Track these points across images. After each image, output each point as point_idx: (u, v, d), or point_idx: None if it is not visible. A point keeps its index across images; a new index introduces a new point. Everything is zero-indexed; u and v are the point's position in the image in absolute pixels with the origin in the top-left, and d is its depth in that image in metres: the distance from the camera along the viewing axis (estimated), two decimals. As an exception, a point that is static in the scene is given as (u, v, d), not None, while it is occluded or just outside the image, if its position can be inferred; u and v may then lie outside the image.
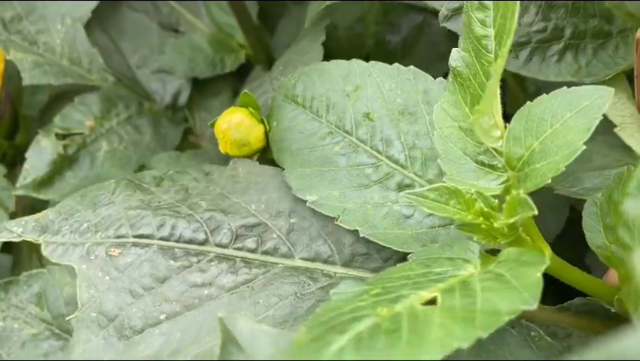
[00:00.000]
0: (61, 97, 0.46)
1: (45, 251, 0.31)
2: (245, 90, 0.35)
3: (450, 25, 0.30)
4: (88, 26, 0.46)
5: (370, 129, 0.30)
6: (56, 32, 0.43)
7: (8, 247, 0.43)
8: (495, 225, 0.24)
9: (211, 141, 0.46)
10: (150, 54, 0.47)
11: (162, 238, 0.30)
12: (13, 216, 0.42)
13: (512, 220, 0.24)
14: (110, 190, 0.32)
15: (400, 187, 0.29)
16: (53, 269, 0.38)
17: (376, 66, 0.31)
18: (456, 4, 0.30)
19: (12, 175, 0.45)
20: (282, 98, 0.33)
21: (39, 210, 0.47)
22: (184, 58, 0.46)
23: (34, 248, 0.45)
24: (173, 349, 0.28)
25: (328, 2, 0.37)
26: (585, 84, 0.26)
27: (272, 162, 0.36)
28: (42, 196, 0.40)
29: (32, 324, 0.36)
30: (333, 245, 0.30)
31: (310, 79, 0.33)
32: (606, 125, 0.30)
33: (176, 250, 0.30)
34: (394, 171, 0.30)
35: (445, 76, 0.42)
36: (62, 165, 0.41)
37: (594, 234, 0.27)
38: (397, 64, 0.31)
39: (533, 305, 0.20)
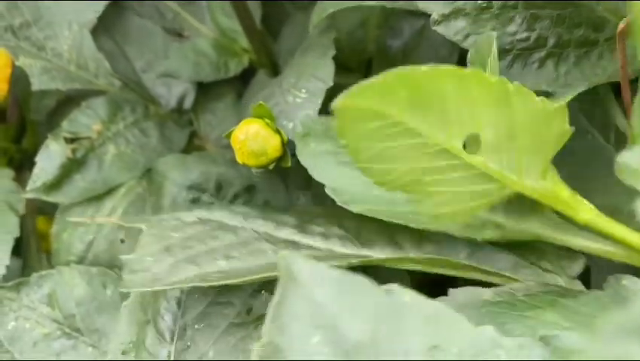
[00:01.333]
0: (68, 101, 0.46)
1: None
2: (261, 102, 0.36)
3: (441, 30, 0.31)
4: (94, 32, 0.46)
5: None
6: (64, 38, 0.44)
7: (17, 249, 0.44)
8: None
9: (215, 144, 0.47)
10: (155, 58, 0.48)
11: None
12: (22, 218, 0.42)
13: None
14: None
15: None
16: (63, 270, 0.39)
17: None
18: (446, 10, 0.31)
19: (19, 178, 0.46)
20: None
21: (47, 213, 0.48)
22: (189, 62, 0.47)
23: (43, 249, 0.46)
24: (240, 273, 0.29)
25: (332, 9, 0.37)
26: (557, 95, 0.27)
27: (288, 171, 0.37)
28: (51, 199, 0.41)
29: (43, 324, 0.37)
30: None
31: None
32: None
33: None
34: None
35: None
36: (71, 168, 0.42)
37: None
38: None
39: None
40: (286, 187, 0.41)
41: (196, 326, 0.33)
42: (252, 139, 0.34)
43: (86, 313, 0.38)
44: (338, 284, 0.19)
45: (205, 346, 0.33)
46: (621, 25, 0.28)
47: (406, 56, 0.43)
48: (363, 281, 0.20)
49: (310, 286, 0.19)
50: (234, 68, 0.48)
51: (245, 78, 0.49)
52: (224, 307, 0.34)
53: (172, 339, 0.33)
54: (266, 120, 0.35)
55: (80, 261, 0.42)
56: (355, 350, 0.18)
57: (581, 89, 0.30)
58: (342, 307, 0.19)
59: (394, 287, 0.20)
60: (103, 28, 0.48)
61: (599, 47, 0.31)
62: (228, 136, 0.36)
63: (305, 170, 0.41)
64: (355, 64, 0.46)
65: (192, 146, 0.47)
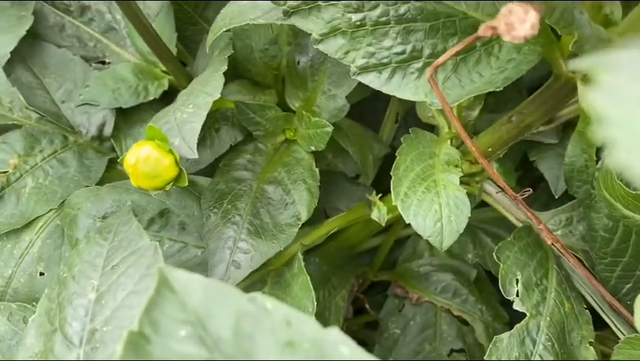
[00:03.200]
0: (-13, 136, 0.46)
1: None
2: (150, 124, 0.36)
3: (322, 48, 0.32)
4: (10, 64, 0.46)
5: None
6: (-26, 74, 0.44)
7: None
8: None
9: (139, 169, 0.47)
10: (75, 88, 0.48)
11: None
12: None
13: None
14: None
15: None
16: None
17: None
18: (325, 30, 0.31)
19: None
20: None
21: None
22: (107, 89, 0.47)
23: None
24: None
25: (224, 28, 0.38)
26: (435, 105, 0.28)
27: (186, 190, 0.37)
28: (-34, 236, 0.41)
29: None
30: None
31: None
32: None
33: None
34: None
35: (355, 92, 0.43)
36: (-14, 204, 0.42)
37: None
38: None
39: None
40: (200, 207, 0.41)
41: (104, 329, 0.34)
42: (143, 162, 0.34)
43: (7, 350, 0.38)
44: (207, 290, 0.21)
45: (113, 345, 0.33)
46: (432, 68, 0.29)
47: (313, 71, 0.43)
48: (230, 289, 0.22)
49: (182, 290, 0.21)
50: (154, 91, 0.48)
51: (167, 100, 0.49)
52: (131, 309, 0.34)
53: (81, 343, 0.34)
54: (157, 141, 0.35)
55: (1, 296, 0.41)
56: (218, 345, 0.20)
57: (456, 101, 0.30)
58: (210, 309, 0.21)
59: (257, 295, 0.21)
60: (20, 60, 0.48)
61: (476, 51, 0.31)
62: (121, 161, 0.36)
63: (218, 190, 0.41)
64: (271, 80, 0.46)
65: (115, 172, 0.47)
